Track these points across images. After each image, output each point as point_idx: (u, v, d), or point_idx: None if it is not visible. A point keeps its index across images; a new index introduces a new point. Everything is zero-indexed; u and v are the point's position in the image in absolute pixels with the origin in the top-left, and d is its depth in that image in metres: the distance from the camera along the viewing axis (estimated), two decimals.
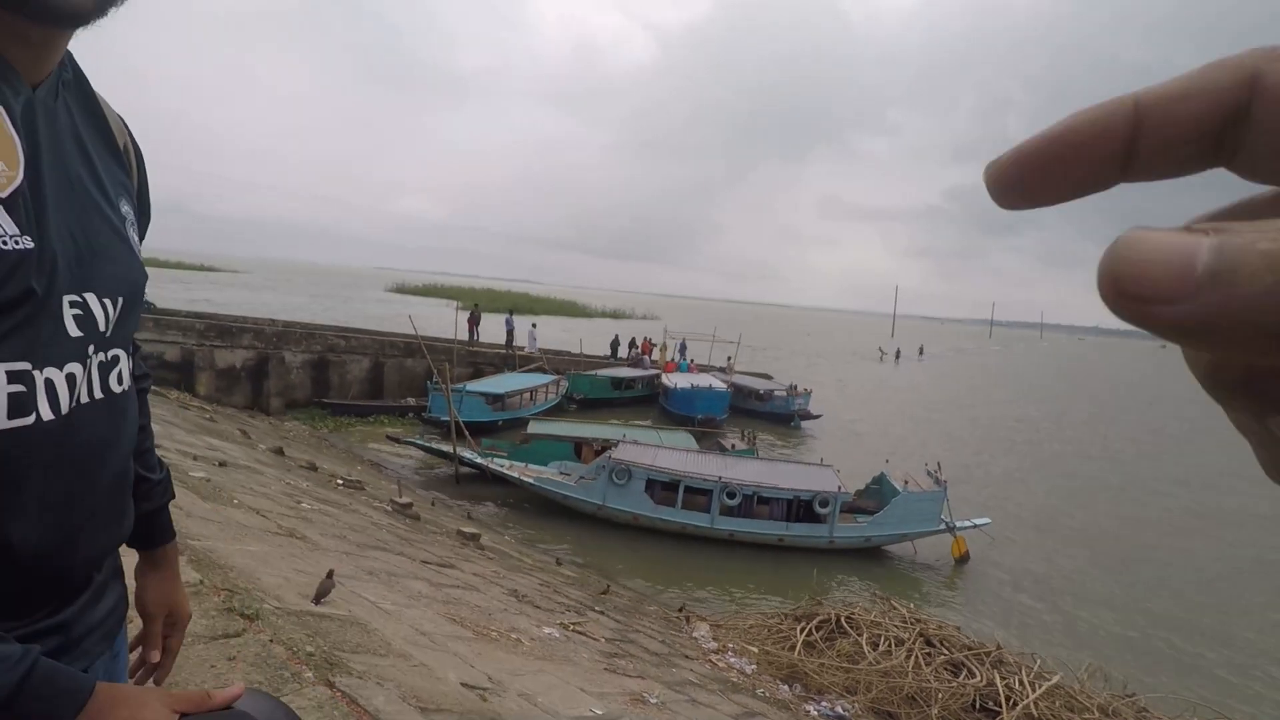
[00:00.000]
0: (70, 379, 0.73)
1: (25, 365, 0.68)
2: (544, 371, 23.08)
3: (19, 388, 0.68)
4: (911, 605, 8.26)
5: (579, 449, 14.65)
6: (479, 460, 13.75)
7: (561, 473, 13.13)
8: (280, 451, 10.86)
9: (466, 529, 9.09)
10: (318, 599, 3.28)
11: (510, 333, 25.17)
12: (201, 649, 2.34)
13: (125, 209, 0.85)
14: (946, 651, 6.94)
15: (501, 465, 13.47)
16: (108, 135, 0.86)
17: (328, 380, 19.92)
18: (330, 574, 3.43)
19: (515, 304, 40.81)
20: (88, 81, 0.83)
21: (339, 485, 9.64)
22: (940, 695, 6.25)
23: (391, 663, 2.90)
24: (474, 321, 26.30)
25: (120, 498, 0.85)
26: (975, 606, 10.98)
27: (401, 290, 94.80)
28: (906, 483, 13.06)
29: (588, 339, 29.34)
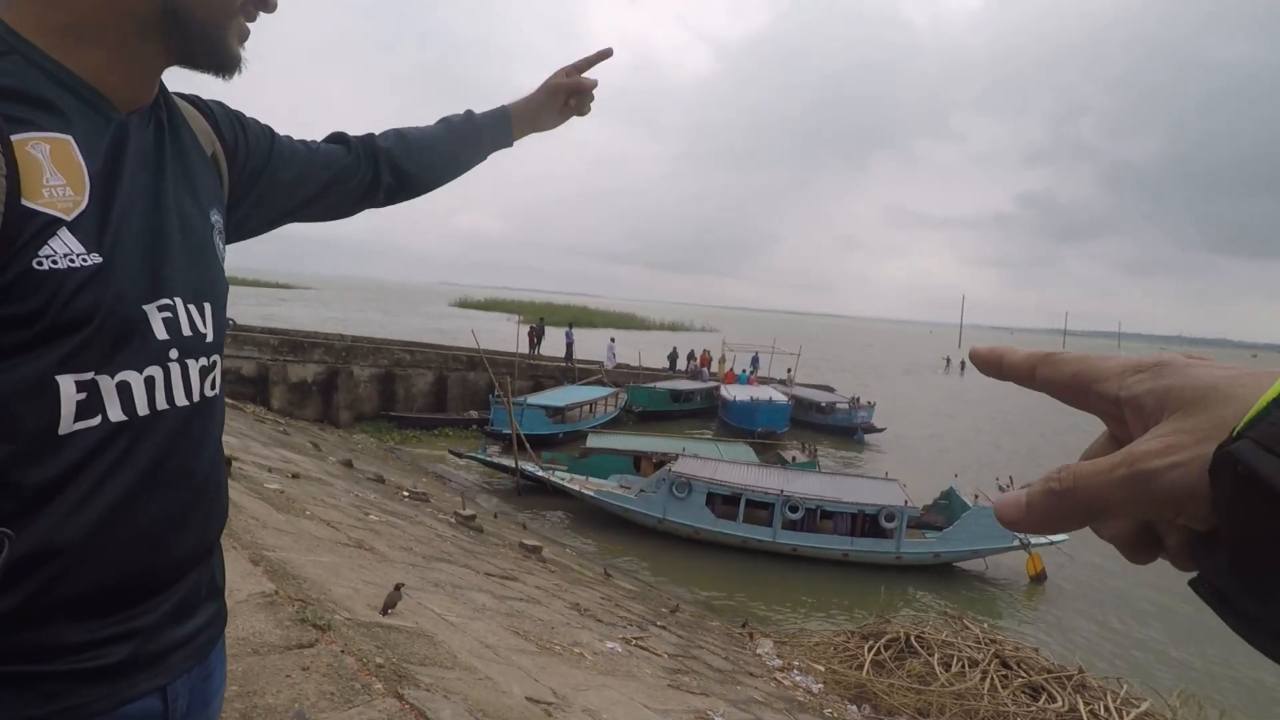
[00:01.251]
0: (149, 382, 0.76)
1: (90, 375, 0.71)
2: (603, 384, 23.21)
3: (83, 395, 0.71)
4: (985, 625, 7.93)
5: (638, 462, 14.64)
6: (540, 473, 13.88)
7: (622, 486, 13.13)
8: (349, 464, 11.18)
9: (528, 541, 9.16)
10: (385, 610, 3.34)
11: (570, 346, 25.42)
12: (277, 659, 2.40)
13: (215, 217, 0.90)
14: (1024, 674, 6.63)
15: (562, 478, 13.56)
16: (197, 147, 0.90)
17: (394, 393, 20.47)
18: (398, 586, 3.49)
19: (575, 317, 41.26)
20: (174, 99, 0.88)
21: (405, 497, 9.85)
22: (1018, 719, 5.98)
23: (458, 675, 2.92)
24: (537, 334, 26.67)
25: (207, 503, 0.87)
26: (1054, 627, 10.49)
27: (464, 305, 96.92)
28: (977, 497, 12.60)
29: (646, 351, 29.39)
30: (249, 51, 0.85)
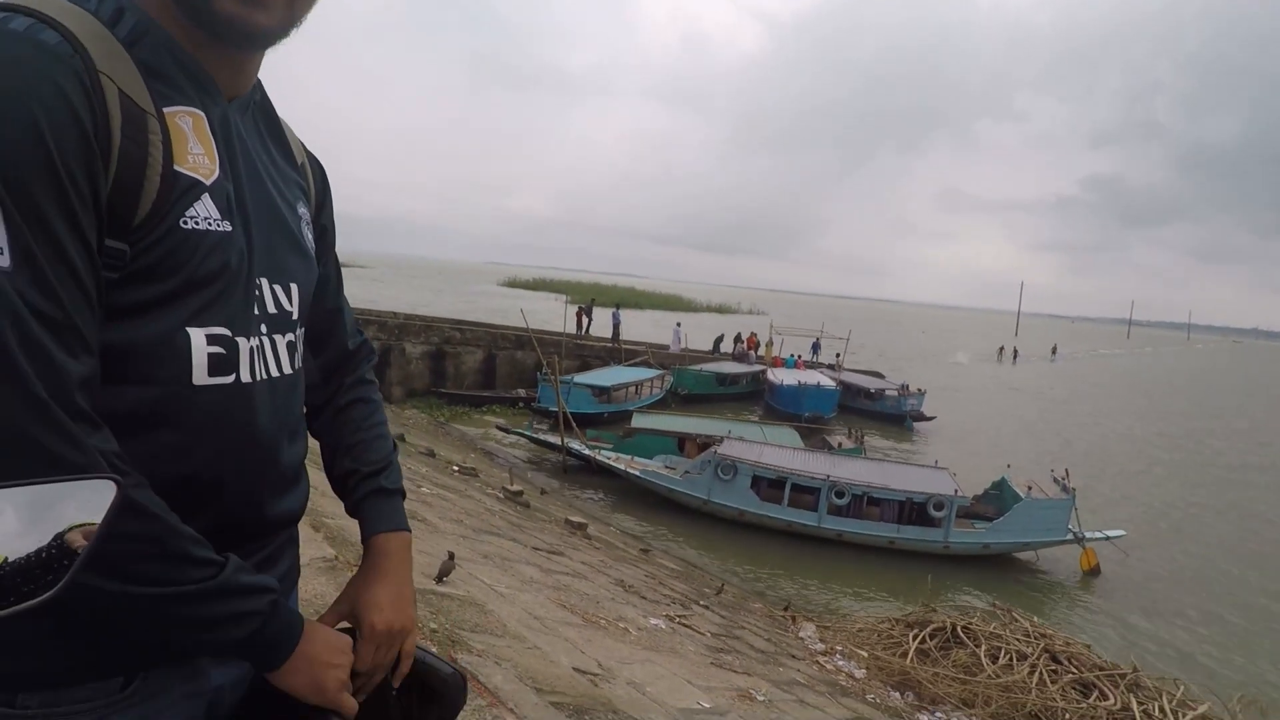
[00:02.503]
0: (256, 350, 0.82)
1: (225, 331, 0.78)
2: (649, 365, 23.26)
3: (219, 350, 0.77)
4: (1035, 619, 7.77)
5: (682, 443, 14.67)
6: (586, 452, 14.02)
7: (666, 466, 13.18)
8: (402, 438, 11.46)
9: (574, 518, 9.29)
10: (440, 578, 3.43)
11: (616, 326, 25.52)
12: None
13: (301, 210, 0.95)
14: (1075, 670, 6.49)
15: (608, 457, 13.67)
16: (288, 150, 0.97)
17: (444, 370, 20.87)
18: (451, 555, 3.59)
19: (622, 298, 41.34)
20: (271, 104, 0.95)
21: (455, 471, 10.07)
22: (1068, 715, 5.86)
23: (508, 643, 3.00)
24: (586, 314, 26.82)
25: (298, 471, 0.94)
26: (1107, 625, 10.21)
27: (513, 284, 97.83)
28: (1030, 489, 12.29)
29: (693, 334, 29.30)
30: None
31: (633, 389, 20.36)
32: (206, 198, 0.76)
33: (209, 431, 0.77)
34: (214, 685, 0.82)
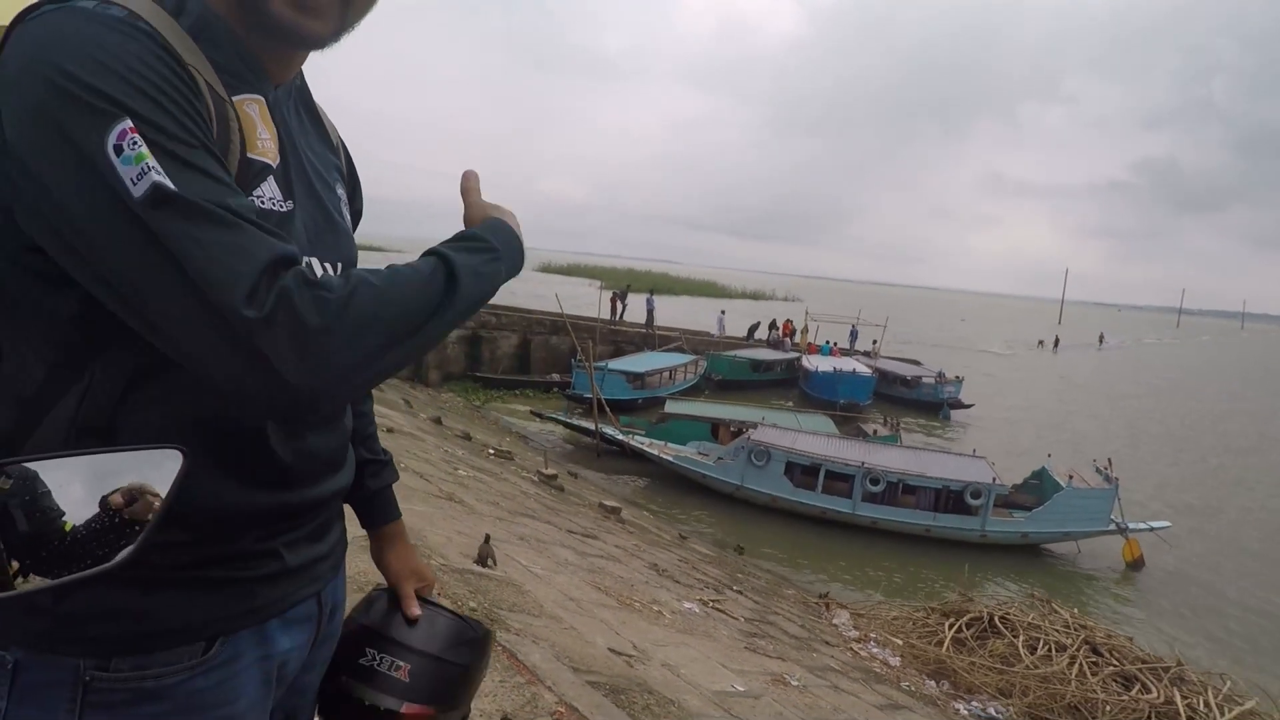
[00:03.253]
0: None
1: None
2: (683, 351, 23.22)
3: None
4: (1075, 610, 7.64)
5: (715, 429, 14.66)
6: (620, 437, 14.08)
7: (700, 452, 13.19)
8: (439, 421, 11.64)
9: (608, 502, 9.37)
10: (482, 561, 3.50)
11: (650, 312, 25.51)
12: None
13: (340, 191, 0.98)
14: (1116, 662, 6.38)
15: (641, 442, 13.72)
16: (324, 132, 1.00)
17: (480, 355, 21.09)
18: (487, 538, 3.65)
19: (656, 284, 41.27)
20: (309, 88, 0.97)
21: (490, 454, 10.21)
22: (1109, 708, 5.77)
23: (544, 623, 3.05)
24: (621, 300, 26.84)
25: (347, 449, 0.98)
26: (1150, 617, 9.99)
27: (547, 269, 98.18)
28: (1071, 478, 12.04)
29: (727, 320, 29.14)
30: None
31: (666, 375, 20.36)
32: (271, 179, 0.79)
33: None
34: (281, 649, 0.86)
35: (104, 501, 0.63)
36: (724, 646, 4.79)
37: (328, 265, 0.88)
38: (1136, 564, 11.49)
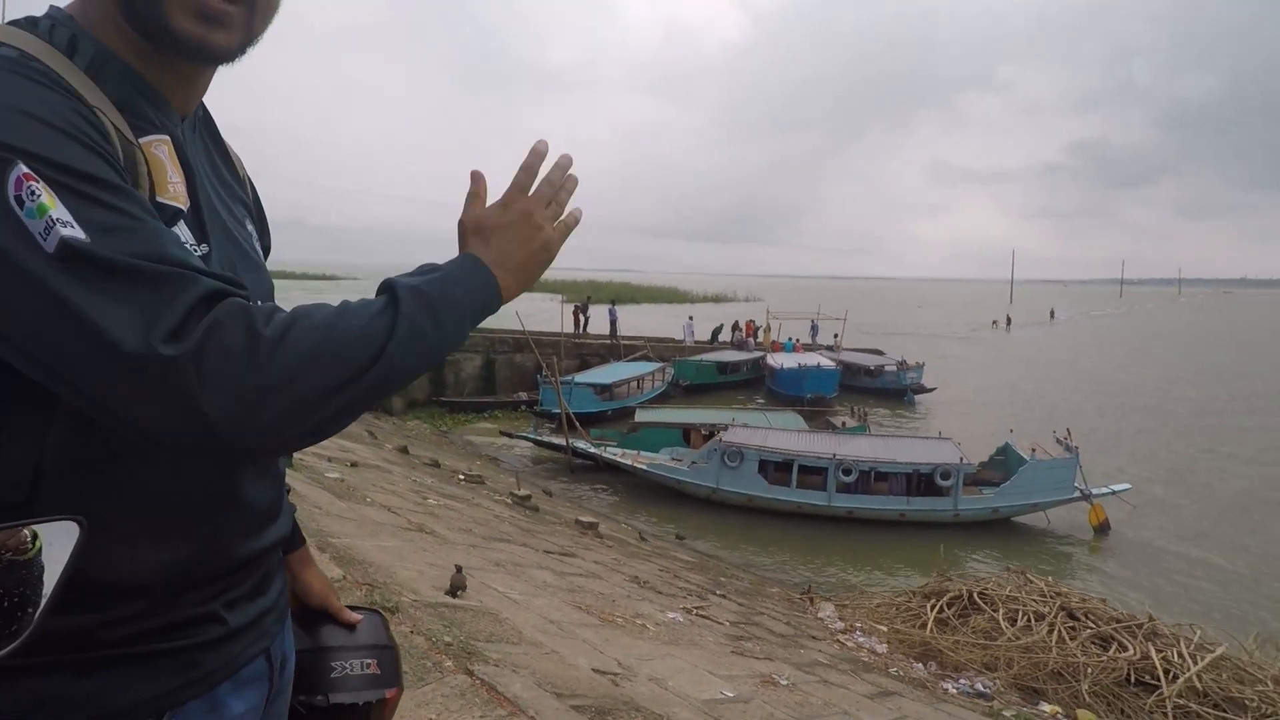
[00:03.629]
0: None
1: None
2: (649, 359, 23.25)
3: None
4: (1050, 578, 7.79)
5: (687, 434, 14.68)
6: (592, 450, 14.02)
7: (673, 458, 13.19)
8: (405, 450, 11.46)
9: (584, 518, 9.30)
10: (453, 592, 3.43)
11: (614, 323, 25.50)
12: None
13: (249, 228, 0.94)
14: (1093, 625, 6.51)
15: (614, 453, 13.68)
16: (231, 165, 0.95)
17: (443, 379, 20.85)
18: (459, 569, 3.58)
19: (618, 294, 41.30)
20: (213, 119, 0.93)
21: (461, 480, 10.07)
22: (1090, 670, 5.88)
23: (525, 650, 3.00)
24: (582, 312, 26.79)
25: (283, 497, 0.95)
26: (1120, 577, 10.25)
27: None
28: (1034, 451, 12.32)
29: (695, 325, 29.26)
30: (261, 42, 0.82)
31: (634, 384, 20.35)
32: (183, 224, 0.76)
33: (185, 461, 0.75)
34: (234, 714, 0.82)
35: None
36: (711, 653, 4.77)
37: None
38: (1102, 527, 11.78)
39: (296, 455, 6.72)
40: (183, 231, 0.75)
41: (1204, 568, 10.56)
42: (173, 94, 0.80)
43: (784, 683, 4.49)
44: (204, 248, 0.78)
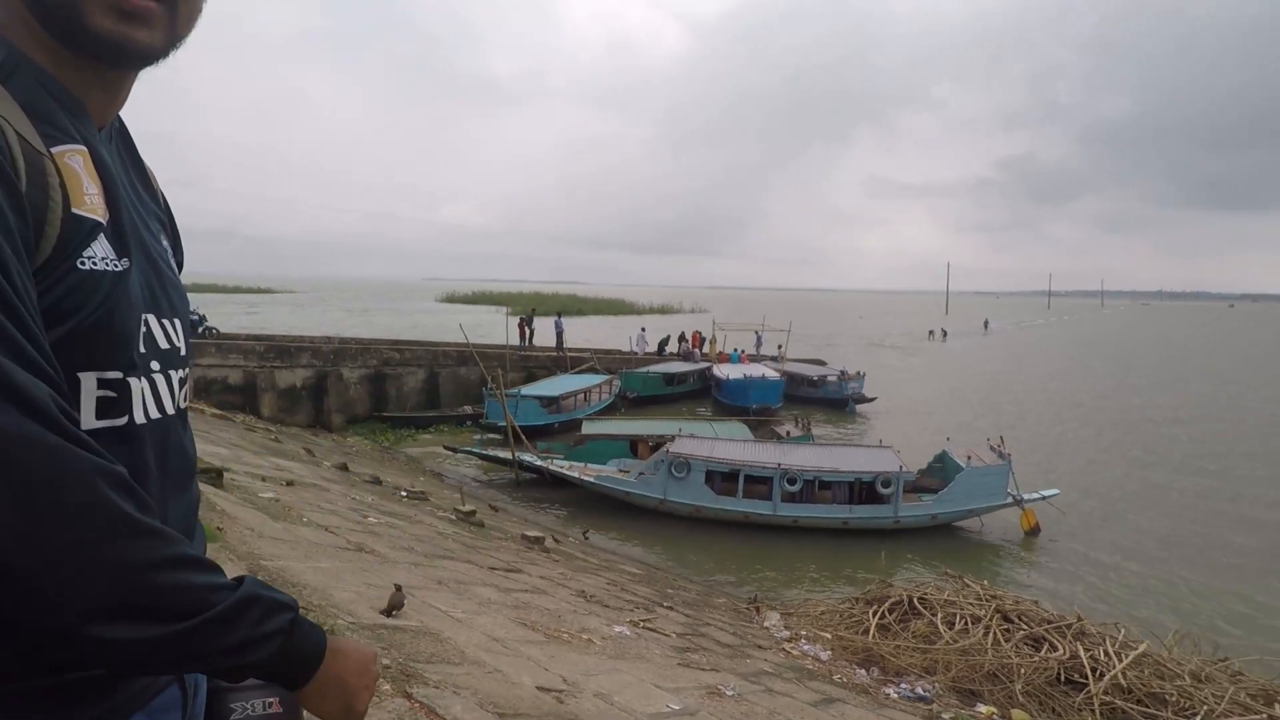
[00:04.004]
0: (149, 389, 0.80)
1: (118, 373, 0.75)
2: (596, 371, 23.21)
3: (109, 393, 0.74)
4: (985, 582, 8.03)
5: (634, 446, 14.68)
6: (538, 463, 13.89)
7: (620, 470, 13.17)
8: (345, 467, 11.16)
9: (530, 533, 9.19)
10: (389, 612, 3.35)
11: (560, 335, 25.39)
12: None
13: (165, 243, 0.92)
14: (1026, 626, 6.73)
15: (560, 466, 13.58)
16: (146, 178, 0.93)
17: (385, 394, 20.40)
18: (398, 588, 3.50)
19: (564, 306, 41.16)
20: (128, 130, 0.90)
21: (403, 497, 9.85)
22: (1023, 670, 6.07)
23: (466, 671, 2.94)
24: (527, 325, 26.60)
25: (194, 513, 0.92)
26: (1051, 579, 10.64)
27: (451, 299, 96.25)
28: (970, 458, 12.72)
29: (649, 337, 29.42)
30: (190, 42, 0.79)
31: (581, 396, 20.28)
32: (102, 237, 0.73)
33: None
34: None
35: None
36: (657, 666, 4.76)
37: (165, 322, 0.83)
38: (1034, 531, 12.22)
39: (228, 475, 6.47)
40: (101, 246, 0.73)
41: (1128, 568, 11.04)
42: (92, 102, 0.77)
43: (730, 694, 4.50)
44: (124, 262, 0.76)
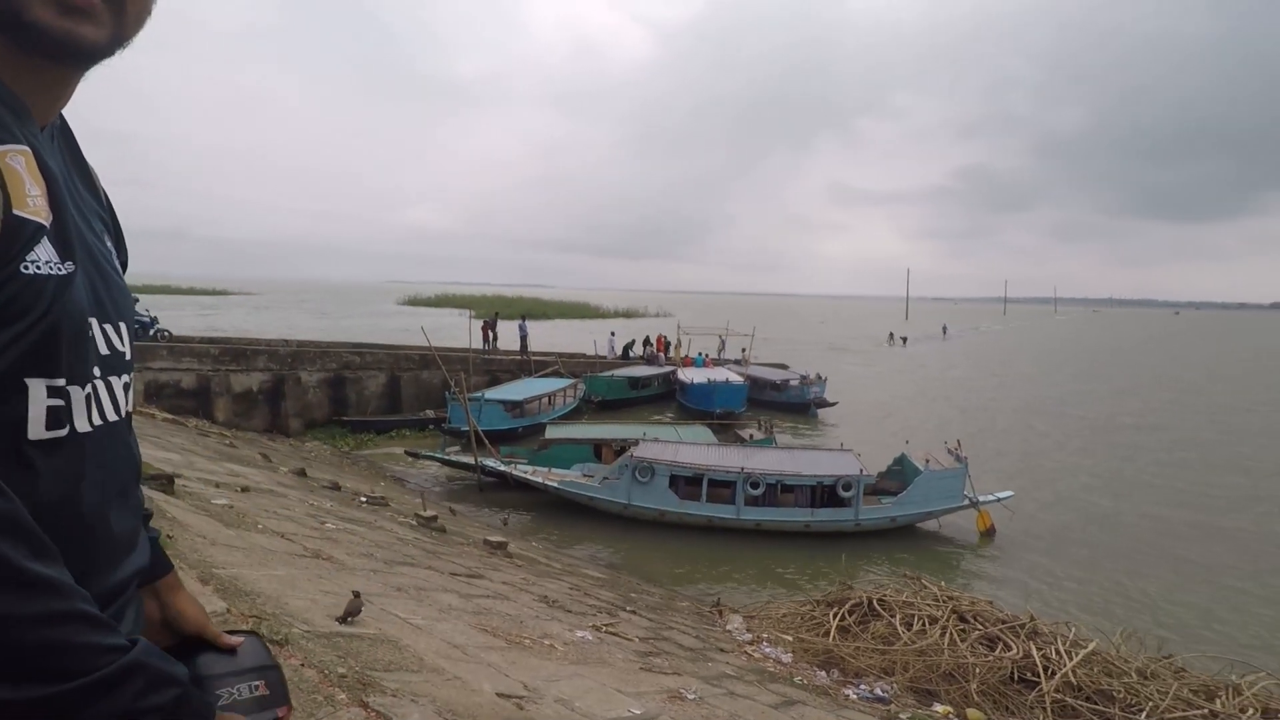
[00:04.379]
0: (92, 396, 0.79)
1: (63, 380, 0.74)
2: (560, 375, 23.12)
3: (58, 402, 0.73)
4: (942, 583, 8.18)
5: (599, 450, 14.65)
6: (502, 468, 13.78)
7: (584, 474, 13.13)
8: (302, 473, 10.94)
9: (493, 538, 9.11)
10: (345, 619, 3.29)
11: (524, 339, 25.24)
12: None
13: (108, 244, 0.90)
14: (981, 626, 6.87)
15: (524, 471, 13.49)
16: (89, 178, 0.91)
17: (345, 398, 20.06)
18: (356, 594, 3.44)
19: (528, 309, 40.95)
20: (70, 129, 0.88)
21: (363, 503, 9.69)
22: (978, 670, 6.20)
23: (425, 678, 2.91)
24: (491, 329, 26.40)
25: (139, 519, 0.91)
26: (1005, 579, 10.88)
27: (414, 302, 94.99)
28: (928, 461, 12.97)
29: (602, 341, 29.43)
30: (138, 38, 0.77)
31: (545, 400, 20.18)
32: (46, 240, 0.71)
33: (43, 488, 0.72)
34: None
35: None
36: (620, 671, 4.75)
37: (108, 327, 0.81)
38: (989, 532, 12.50)
39: (179, 482, 6.30)
40: (45, 249, 0.71)
41: (1078, 568, 11.35)
42: (35, 101, 0.75)
43: (691, 697, 4.52)
44: (68, 265, 0.74)
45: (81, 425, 0.76)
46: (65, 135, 0.86)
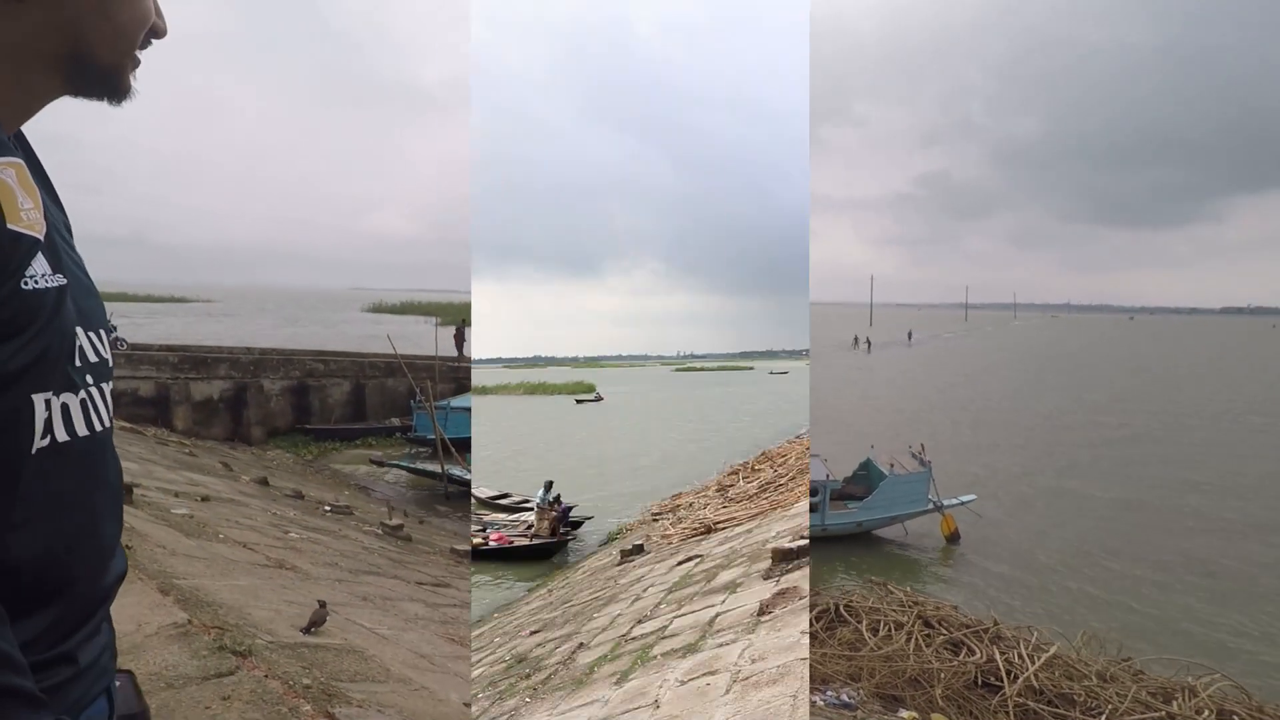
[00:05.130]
0: (84, 404, 0.78)
1: (61, 391, 0.74)
2: None
3: (59, 411, 0.73)
4: (908, 588, 8.29)
5: None
6: (468, 477, 13.65)
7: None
8: (265, 482, 10.72)
9: (460, 547, 9.03)
10: (310, 629, 3.24)
11: None
12: (195, 690, 2.30)
13: (77, 252, 0.89)
14: (945, 631, 6.96)
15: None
16: (51, 187, 0.89)
17: (309, 405, 19.71)
18: (322, 604, 3.39)
19: None
20: (24, 134, 0.87)
21: (327, 512, 9.53)
22: (942, 675, 6.28)
23: (391, 689, 2.87)
24: (460, 336, 26.15)
25: (120, 529, 0.90)
26: (969, 583, 11.07)
27: (378, 309, 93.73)
28: (893, 466, 13.14)
29: None
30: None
31: None
32: (40, 254, 0.71)
33: (47, 498, 0.72)
34: None
35: None
36: None
37: (91, 334, 0.81)
38: (954, 537, 12.70)
39: (138, 491, 6.13)
40: (40, 263, 0.71)
41: (1040, 572, 11.58)
42: (18, 117, 0.77)
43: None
44: (59, 278, 0.73)
45: (81, 432, 0.76)
46: (20, 141, 0.85)
